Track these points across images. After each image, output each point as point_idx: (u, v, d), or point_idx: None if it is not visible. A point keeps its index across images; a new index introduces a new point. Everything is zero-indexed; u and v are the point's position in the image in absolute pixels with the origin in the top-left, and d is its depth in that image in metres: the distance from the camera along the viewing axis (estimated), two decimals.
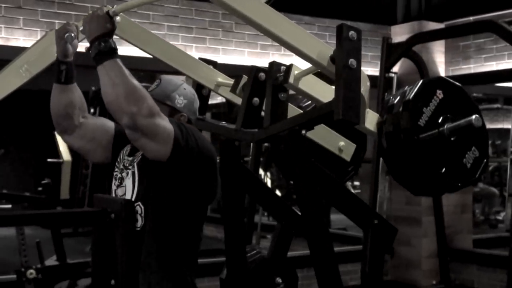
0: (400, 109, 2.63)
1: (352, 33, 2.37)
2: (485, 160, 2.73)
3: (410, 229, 6.49)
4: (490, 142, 12.47)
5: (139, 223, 2.47)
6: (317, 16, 6.22)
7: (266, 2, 4.72)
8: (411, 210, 6.54)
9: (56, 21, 4.95)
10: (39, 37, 4.22)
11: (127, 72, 2.35)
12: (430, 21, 6.55)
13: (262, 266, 3.12)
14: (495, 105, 12.23)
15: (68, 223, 6.77)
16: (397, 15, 6.77)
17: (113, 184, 2.62)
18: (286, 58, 5.76)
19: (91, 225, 2.82)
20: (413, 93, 2.62)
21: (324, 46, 2.48)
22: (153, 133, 2.35)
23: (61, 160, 9.04)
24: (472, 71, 6.45)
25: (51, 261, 4.63)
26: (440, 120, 2.64)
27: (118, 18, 2.45)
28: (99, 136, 2.67)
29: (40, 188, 8.85)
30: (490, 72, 6.36)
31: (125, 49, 5.16)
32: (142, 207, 2.48)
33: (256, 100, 2.87)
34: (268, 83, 2.78)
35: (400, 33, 6.61)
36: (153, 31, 5.28)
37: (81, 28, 2.49)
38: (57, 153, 9.07)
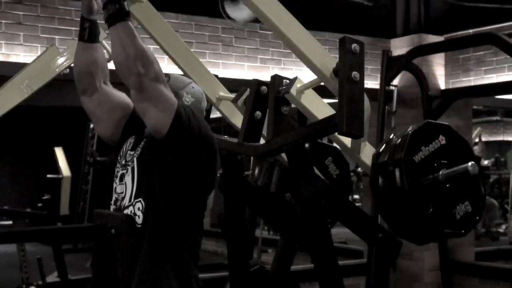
0: (398, 141, 2.61)
1: (355, 45, 2.37)
2: (477, 218, 2.67)
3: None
4: (490, 154, 12.47)
5: (140, 219, 2.43)
6: (316, 30, 6.21)
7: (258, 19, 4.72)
8: None
9: (56, 36, 4.95)
10: (39, 53, 4.23)
11: (138, 35, 2.34)
12: (429, 34, 6.56)
13: (265, 281, 3.10)
14: (494, 118, 12.25)
15: (69, 239, 6.75)
16: (396, 28, 6.78)
17: (114, 183, 2.58)
18: (286, 72, 5.75)
19: (91, 240, 2.80)
20: (414, 129, 2.60)
21: (328, 57, 2.48)
22: (156, 97, 2.34)
23: (60, 176, 9.03)
24: (472, 83, 6.44)
25: (53, 277, 4.61)
26: (436, 164, 2.61)
27: None
28: (116, 109, 2.64)
29: (40, 204, 8.83)
30: (490, 84, 6.35)
31: None
32: (143, 203, 2.43)
33: (258, 113, 2.86)
34: (270, 96, 2.78)
35: (399, 46, 6.61)
36: (153, 46, 5.34)
37: None
38: (57, 169, 9.06)
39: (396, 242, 2.84)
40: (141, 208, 2.44)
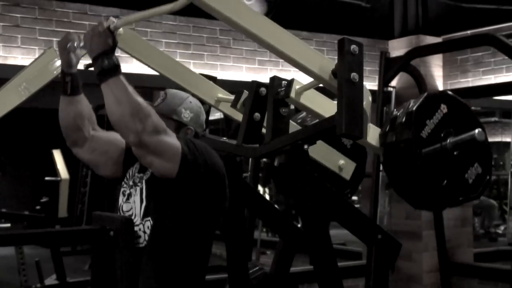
0: (403, 120, 2.62)
1: (354, 47, 2.37)
2: (488, 177, 2.70)
3: (410, 244, 6.45)
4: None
5: (145, 240, 2.44)
6: (314, 31, 6.21)
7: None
8: (411, 225, 6.50)
9: (54, 39, 4.94)
10: (37, 55, 4.21)
11: (131, 89, 2.32)
12: (427, 35, 6.56)
13: (265, 283, 3.09)
14: (492, 119, 12.24)
15: (68, 242, 6.73)
16: (394, 30, 6.78)
17: (120, 200, 2.59)
18: (284, 73, 5.73)
19: (90, 243, 2.79)
20: (416, 105, 2.61)
21: (325, 60, 2.48)
22: (159, 150, 2.33)
23: (59, 178, 9.01)
24: (471, 84, 6.44)
25: (51, 280, 4.60)
26: (443, 134, 2.62)
27: (121, 30, 2.42)
28: (110, 150, 2.64)
29: (38, 207, 8.82)
30: (488, 85, 6.35)
31: (123, 66, 5.16)
32: (150, 223, 2.44)
33: (257, 115, 2.86)
34: (270, 98, 2.77)
35: (397, 48, 6.61)
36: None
37: (82, 44, 2.46)
38: (55, 171, 9.04)
39: (395, 243, 2.83)
40: (146, 229, 2.45)
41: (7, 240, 2.65)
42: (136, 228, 2.46)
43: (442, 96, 2.73)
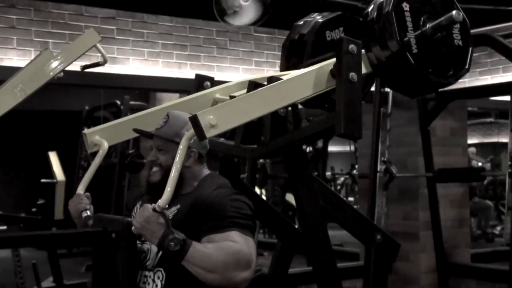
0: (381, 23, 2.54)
1: (352, 46, 2.36)
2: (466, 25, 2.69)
3: (408, 245, 6.45)
4: (484, 156, 12.47)
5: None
6: None
7: (254, 23, 4.70)
8: (409, 225, 6.50)
9: (50, 40, 4.92)
10: (33, 57, 4.20)
11: (207, 250, 2.26)
12: None
13: (263, 284, 3.08)
14: (489, 119, 12.26)
15: (69, 244, 6.71)
16: None
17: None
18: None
19: (87, 245, 2.79)
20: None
21: (319, 67, 2.46)
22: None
23: (54, 181, 8.98)
24: (467, 85, 6.44)
25: (48, 282, 4.59)
26: (421, 23, 2.57)
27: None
28: None
29: (34, 209, 8.79)
30: (485, 86, 6.35)
31: (119, 68, 5.15)
32: (163, 273, 2.43)
33: None
34: None
35: None
36: (147, 49, 5.32)
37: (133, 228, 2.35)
38: (51, 174, 9.01)
39: (394, 244, 2.82)
40: (160, 278, 2.43)
41: (6, 243, 2.64)
42: (150, 274, 2.47)
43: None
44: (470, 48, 2.67)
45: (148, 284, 2.45)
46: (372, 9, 2.56)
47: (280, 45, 5.12)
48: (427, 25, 2.55)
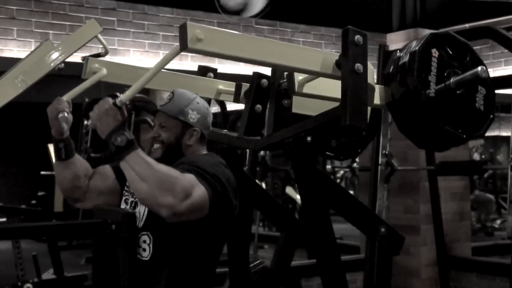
0: (407, 61, 2.55)
1: (358, 37, 2.34)
2: (491, 116, 2.69)
3: (409, 238, 6.41)
4: (485, 149, 12.47)
5: (147, 253, 2.42)
6: (312, 25, 6.18)
7: (258, 14, 4.69)
8: (410, 219, 6.49)
9: (50, 31, 4.90)
10: (33, 48, 4.18)
11: (150, 160, 2.24)
12: (425, 29, 6.53)
13: (265, 277, 3.06)
14: None
15: (69, 235, 6.69)
16: (392, 23, 6.74)
17: (124, 205, 2.57)
18: None
19: (87, 237, 2.78)
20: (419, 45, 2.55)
21: (326, 54, 2.42)
22: (194, 210, 2.26)
23: (54, 173, 8.97)
24: None
25: (48, 274, 4.58)
26: (446, 74, 2.58)
27: (104, 70, 2.32)
28: (105, 187, 2.62)
29: (34, 201, 8.78)
30: None
31: (120, 60, 5.12)
32: (151, 237, 2.41)
33: (258, 107, 2.82)
34: (272, 89, 2.74)
35: (395, 41, 6.58)
36: (148, 41, 5.29)
37: (90, 122, 2.42)
38: (50, 166, 9.00)
39: (398, 236, 2.81)
40: (147, 242, 2.42)
41: (8, 234, 2.63)
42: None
43: (443, 37, 2.67)
44: (491, 116, 2.68)
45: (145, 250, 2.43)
46: (405, 50, 2.59)
47: (281, 37, 5.14)
48: (451, 79, 2.55)
